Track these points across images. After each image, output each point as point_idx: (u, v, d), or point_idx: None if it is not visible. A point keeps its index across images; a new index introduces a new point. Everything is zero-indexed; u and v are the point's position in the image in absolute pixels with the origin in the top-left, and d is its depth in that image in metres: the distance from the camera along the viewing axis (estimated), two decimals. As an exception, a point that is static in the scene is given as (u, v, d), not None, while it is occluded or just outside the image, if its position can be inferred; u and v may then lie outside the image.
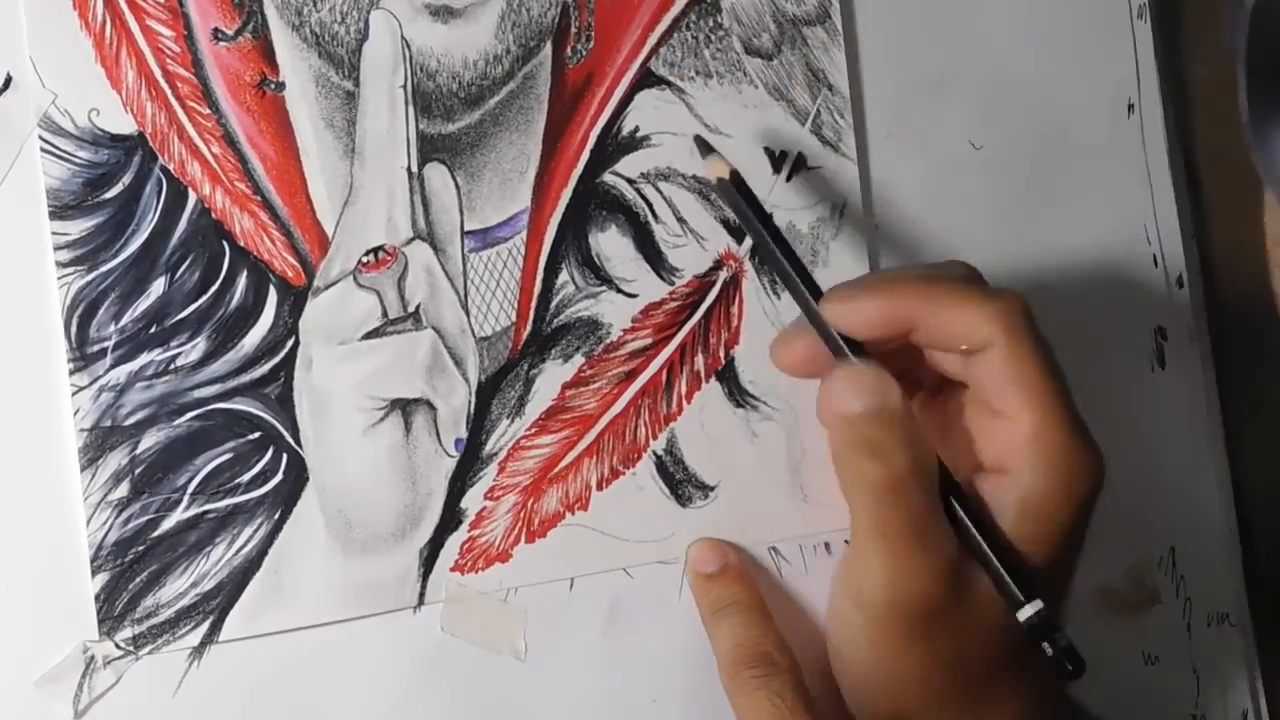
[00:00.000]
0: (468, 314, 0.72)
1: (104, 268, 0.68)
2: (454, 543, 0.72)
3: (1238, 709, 0.84)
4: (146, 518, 0.68)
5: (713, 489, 0.75)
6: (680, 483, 0.74)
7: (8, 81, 0.68)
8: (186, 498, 0.69)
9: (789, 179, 0.78)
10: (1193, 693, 0.84)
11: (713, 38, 0.77)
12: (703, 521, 0.74)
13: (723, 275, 0.76)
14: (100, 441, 0.68)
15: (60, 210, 0.68)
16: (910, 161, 0.80)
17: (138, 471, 0.68)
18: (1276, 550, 0.86)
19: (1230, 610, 0.86)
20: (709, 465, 0.75)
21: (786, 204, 0.78)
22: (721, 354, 0.76)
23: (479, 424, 0.72)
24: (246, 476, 0.69)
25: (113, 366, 0.68)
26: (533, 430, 0.73)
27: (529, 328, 0.73)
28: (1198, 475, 0.85)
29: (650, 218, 0.75)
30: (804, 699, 0.70)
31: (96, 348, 0.68)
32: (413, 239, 0.72)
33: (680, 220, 0.76)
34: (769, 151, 0.78)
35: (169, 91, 0.69)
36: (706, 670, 0.74)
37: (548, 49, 0.74)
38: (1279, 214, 0.49)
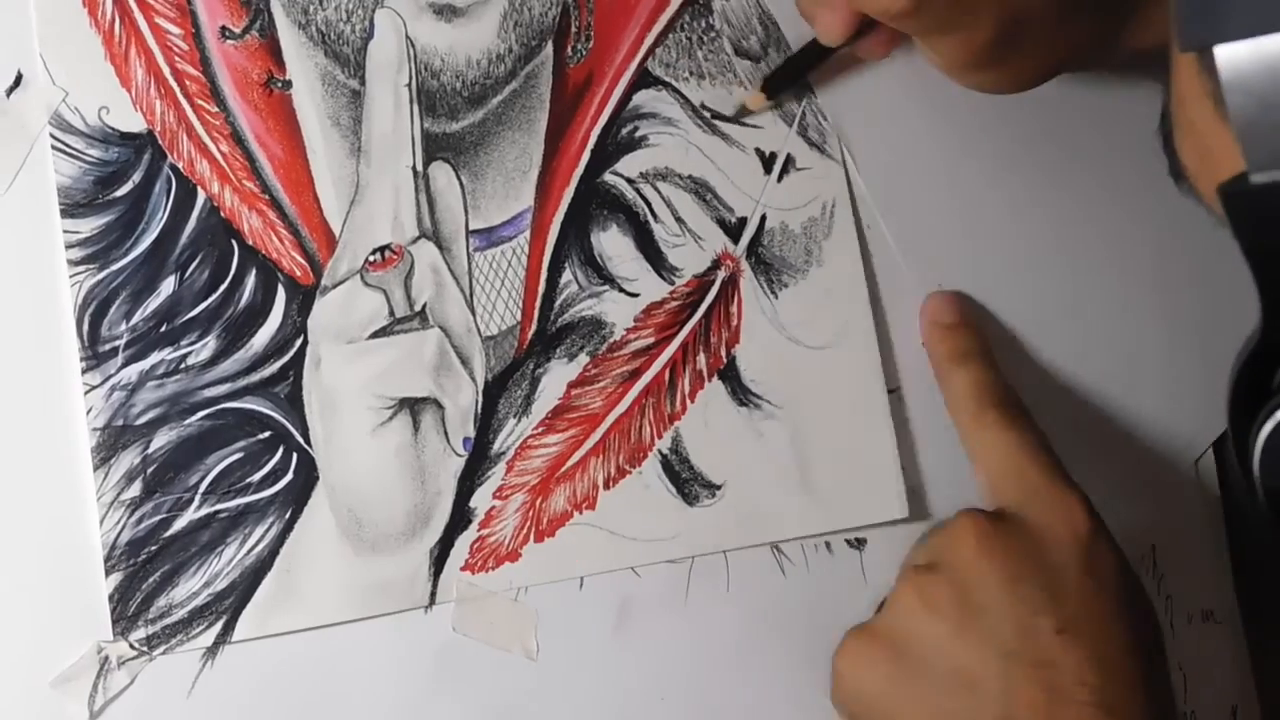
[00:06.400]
0: (473, 313, 0.77)
1: (115, 266, 0.73)
2: (464, 542, 0.77)
3: (1226, 705, 0.90)
4: (159, 517, 0.73)
5: (719, 488, 0.80)
6: (686, 481, 0.80)
7: (18, 79, 0.72)
8: (198, 497, 0.73)
9: (780, 180, 0.83)
10: (1180, 690, 0.89)
11: (705, 39, 0.83)
12: (710, 520, 0.80)
13: (721, 275, 0.82)
14: (113, 441, 0.72)
15: (71, 208, 0.72)
16: (902, 160, 0.85)
17: (150, 471, 0.73)
18: (1263, 546, 0.92)
19: (1214, 607, 0.91)
20: (715, 464, 0.80)
21: (779, 205, 0.83)
22: (723, 353, 0.81)
23: (486, 423, 0.77)
24: (257, 476, 0.74)
25: (124, 365, 0.73)
26: (540, 429, 0.78)
27: (534, 327, 0.79)
28: (1177, 474, 0.91)
29: (650, 217, 0.81)
30: (1045, 438, 0.79)
31: (108, 346, 0.72)
32: (418, 238, 0.77)
33: (679, 220, 0.81)
34: (760, 153, 0.83)
35: (178, 89, 0.74)
36: (715, 668, 0.80)
37: (549, 48, 0.80)
38: (1188, 73, 0.55)
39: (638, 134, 0.81)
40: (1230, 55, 0.50)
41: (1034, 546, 0.74)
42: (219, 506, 0.73)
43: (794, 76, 0.83)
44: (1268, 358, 0.57)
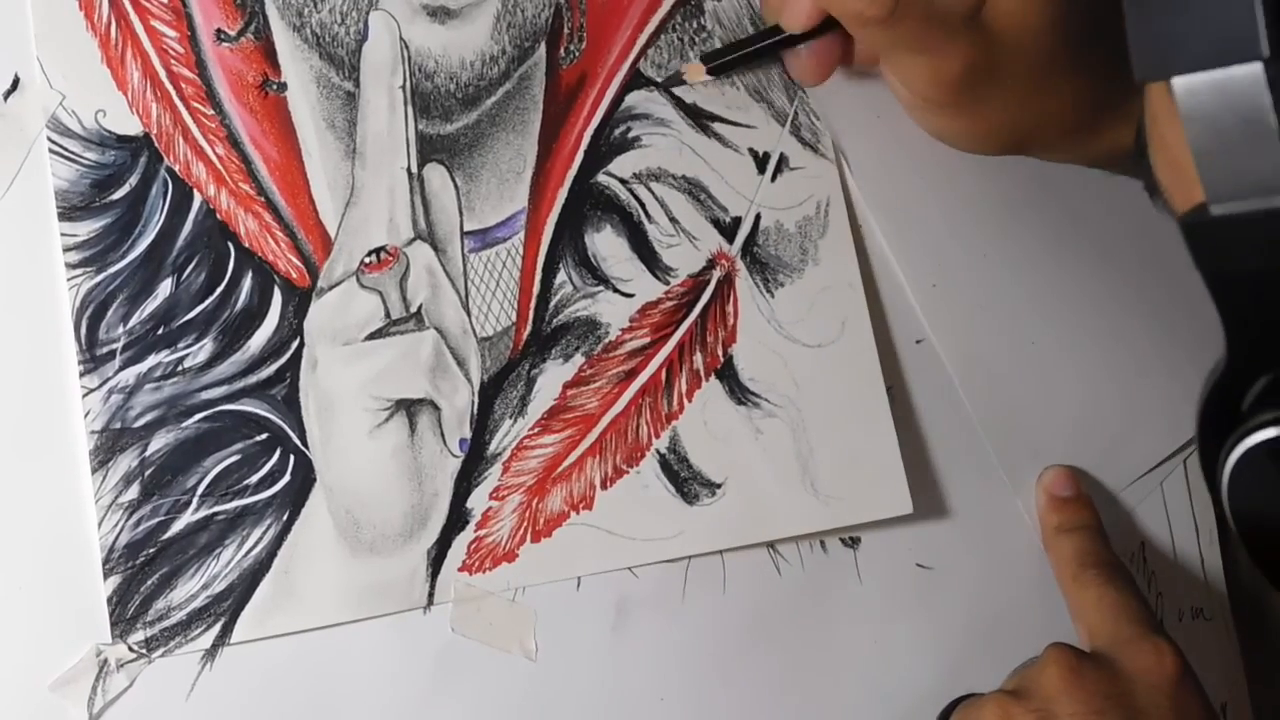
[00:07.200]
0: (469, 314, 0.78)
1: (112, 269, 0.74)
2: (461, 543, 0.77)
3: (1216, 702, 0.91)
4: (157, 520, 0.73)
5: (720, 486, 0.81)
6: (686, 480, 0.81)
7: (15, 83, 0.73)
8: (196, 499, 0.74)
9: (774, 179, 0.84)
10: (1172, 687, 0.91)
11: (697, 40, 0.84)
12: (712, 519, 0.81)
13: (716, 274, 0.83)
14: (111, 444, 0.73)
15: (69, 211, 0.73)
16: (894, 159, 0.86)
17: (148, 473, 0.73)
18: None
19: (1204, 605, 0.93)
20: (714, 463, 0.81)
21: (773, 204, 0.84)
22: (720, 352, 0.82)
23: (482, 424, 0.78)
24: (255, 478, 0.75)
25: (122, 368, 0.73)
26: (535, 430, 0.79)
27: (529, 328, 0.79)
28: (1167, 471, 0.92)
29: (643, 218, 0.82)
30: (1141, 595, 0.82)
31: (106, 349, 0.73)
32: (414, 239, 0.78)
33: (672, 220, 0.82)
34: (753, 153, 0.85)
35: (173, 92, 0.75)
36: (712, 667, 0.81)
37: (542, 50, 0.81)
38: (1159, 91, 0.56)
39: (630, 135, 0.82)
40: (1187, 86, 0.51)
41: (1122, 686, 0.76)
42: (217, 508, 0.74)
43: (735, 55, 0.83)
44: (1234, 383, 0.58)
